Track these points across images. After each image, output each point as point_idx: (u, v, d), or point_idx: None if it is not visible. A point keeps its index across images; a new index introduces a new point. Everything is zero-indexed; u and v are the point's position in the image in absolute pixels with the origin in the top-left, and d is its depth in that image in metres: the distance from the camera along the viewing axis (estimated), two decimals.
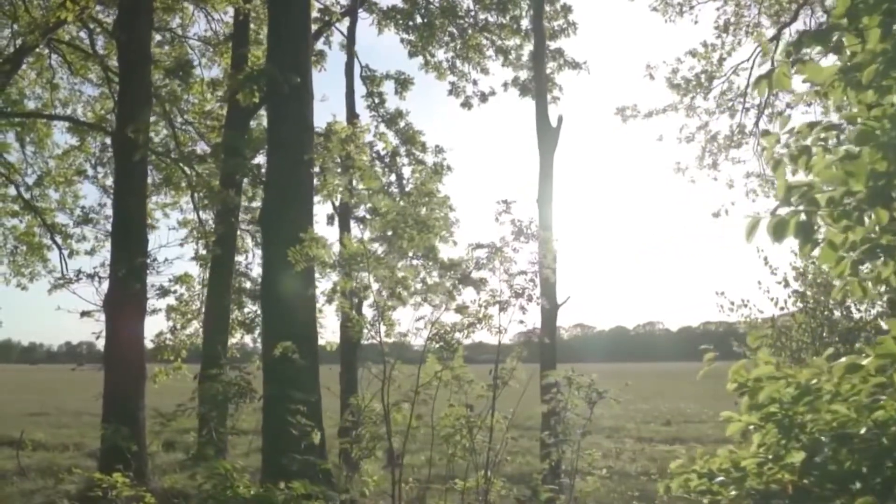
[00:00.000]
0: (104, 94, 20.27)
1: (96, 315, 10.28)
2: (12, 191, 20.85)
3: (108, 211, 20.77)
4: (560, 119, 9.40)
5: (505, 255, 6.75)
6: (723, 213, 18.75)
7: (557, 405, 6.74)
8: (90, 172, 20.73)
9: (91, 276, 9.93)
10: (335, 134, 9.50)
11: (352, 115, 12.11)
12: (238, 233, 18.40)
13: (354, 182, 8.48)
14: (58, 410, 28.81)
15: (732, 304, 10.76)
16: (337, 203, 11.03)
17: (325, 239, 7.05)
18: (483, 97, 18.75)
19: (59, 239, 19.33)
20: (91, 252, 20.34)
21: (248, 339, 19.46)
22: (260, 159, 11.45)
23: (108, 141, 21.51)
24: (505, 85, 18.32)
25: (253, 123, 14.75)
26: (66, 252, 19.17)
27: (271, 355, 8.11)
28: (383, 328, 7.23)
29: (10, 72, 15.30)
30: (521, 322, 7.03)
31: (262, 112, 15.92)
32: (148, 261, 10.15)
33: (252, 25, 13.82)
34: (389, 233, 6.49)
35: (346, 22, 14.86)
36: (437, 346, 7.02)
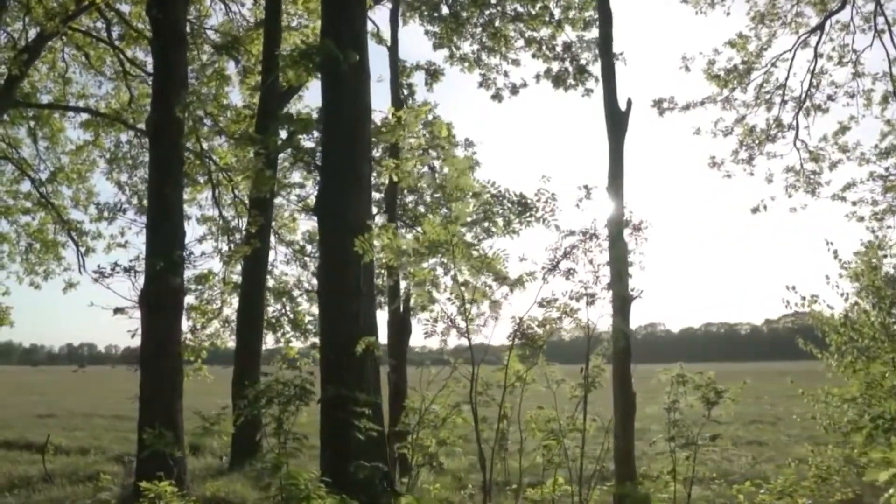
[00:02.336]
0: (119, 88, 19.76)
1: (130, 312, 9.63)
2: (24, 187, 20.32)
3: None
4: (629, 102, 8.84)
5: (600, 243, 6.14)
6: (762, 208, 18.18)
7: (671, 406, 6.13)
8: (104, 167, 20.23)
9: (128, 270, 9.30)
10: (412, 112, 8.89)
11: (397, 102, 11.53)
12: None
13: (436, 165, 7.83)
14: (66, 412, 28.21)
15: (803, 298, 10.14)
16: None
17: (393, 225, 6.44)
18: (514, 89, 18.16)
19: (74, 236, 18.73)
20: (108, 249, 19.81)
21: (269, 338, 18.90)
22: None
23: (123, 137, 21.09)
24: (537, 77, 17.75)
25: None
26: (82, 249, 18.60)
27: (332, 354, 7.51)
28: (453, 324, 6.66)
29: (28, 61, 14.72)
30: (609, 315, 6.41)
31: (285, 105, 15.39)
32: (185, 254, 9.53)
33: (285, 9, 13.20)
34: (478, 215, 5.86)
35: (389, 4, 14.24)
36: (520, 342, 6.42)
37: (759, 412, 25.57)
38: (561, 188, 6.55)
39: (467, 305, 6.13)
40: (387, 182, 10.09)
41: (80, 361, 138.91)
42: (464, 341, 7.72)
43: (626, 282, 6.99)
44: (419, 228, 9.79)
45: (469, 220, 5.97)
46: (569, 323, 6.49)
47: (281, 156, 10.37)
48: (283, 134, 8.75)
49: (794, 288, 10.16)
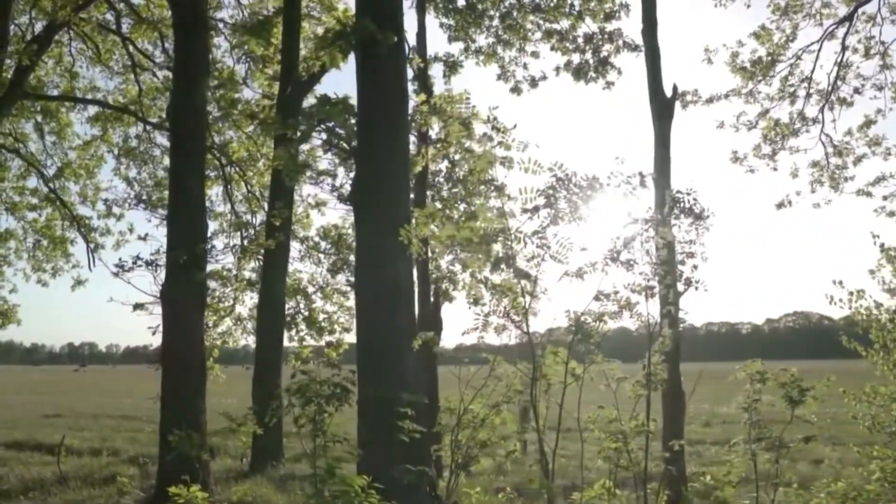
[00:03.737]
0: (128, 82, 19.35)
1: (150, 308, 9.24)
2: (30, 183, 19.91)
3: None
4: (675, 88, 8.47)
5: (664, 232, 5.73)
6: (786, 203, 17.79)
7: (751, 404, 5.73)
8: (112, 163, 19.84)
9: (150, 264, 8.90)
10: (446, 98, 8.50)
11: (424, 89, 11.11)
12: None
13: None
14: (72, 412, 27.85)
15: (851, 294, 9.71)
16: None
17: (440, 211, 6.05)
18: (533, 82, 17.75)
19: (83, 231, 18.32)
20: (116, 246, 19.41)
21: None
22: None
23: (132, 132, 20.67)
24: (557, 69, 17.33)
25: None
26: (91, 246, 18.19)
27: (370, 351, 7.11)
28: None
29: (38, 51, 14.31)
30: (679, 310, 6.01)
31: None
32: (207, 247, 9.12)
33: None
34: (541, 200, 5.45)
35: None
36: (577, 337, 6.01)
37: (772, 412, 25.18)
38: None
39: (524, 297, 5.72)
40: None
41: (82, 361, 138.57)
42: (499, 339, 7.38)
43: (674, 274, 6.61)
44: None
45: (530, 205, 5.55)
46: (628, 317, 6.08)
47: (306, 145, 9.96)
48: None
49: (840, 283, 9.75)
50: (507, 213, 5.64)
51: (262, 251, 15.32)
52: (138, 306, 9.27)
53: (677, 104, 9.83)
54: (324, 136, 7.30)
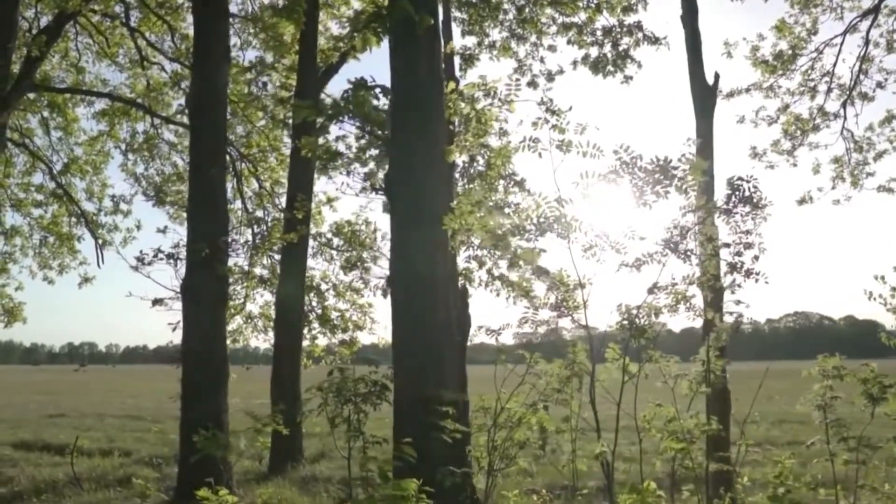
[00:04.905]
0: (135, 76, 19.04)
1: (169, 303, 8.90)
2: (36, 179, 19.60)
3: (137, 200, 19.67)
4: (717, 76, 8.18)
5: (734, 220, 5.42)
6: (808, 199, 17.51)
7: (828, 403, 5.41)
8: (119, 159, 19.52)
9: (171, 257, 8.57)
10: (473, 86, 8.18)
11: (451, 77, 10.79)
12: None
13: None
14: (76, 412, 27.49)
15: (894, 290, 9.41)
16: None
17: (488, 200, 5.75)
18: (550, 76, 17.45)
19: (91, 228, 18.00)
20: (124, 242, 19.09)
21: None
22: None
23: (140, 127, 20.35)
24: (574, 63, 17.02)
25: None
26: (99, 242, 17.87)
27: (407, 347, 6.79)
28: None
29: (48, 42, 13.99)
30: (739, 303, 5.71)
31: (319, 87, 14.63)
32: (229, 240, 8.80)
33: None
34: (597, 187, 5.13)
35: None
36: (631, 334, 5.70)
37: (782, 411, 24.97)
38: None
39: (580, 289, 5.41)
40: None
41: (81, 361, 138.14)
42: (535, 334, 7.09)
43: (718, 268, 6.31)
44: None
45: (590, 191, 5.23)
46: (684, 311, 5.78)
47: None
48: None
49: (882, 278, 9.46)
50: (565, 200, 5.31)
51: (275, 247, 15.06)
52: (157, 301, 8.94)
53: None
54: (356, 123, 6.94)
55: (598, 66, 16.98)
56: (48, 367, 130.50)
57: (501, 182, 12.01)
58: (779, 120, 17.23)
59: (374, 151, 7.43)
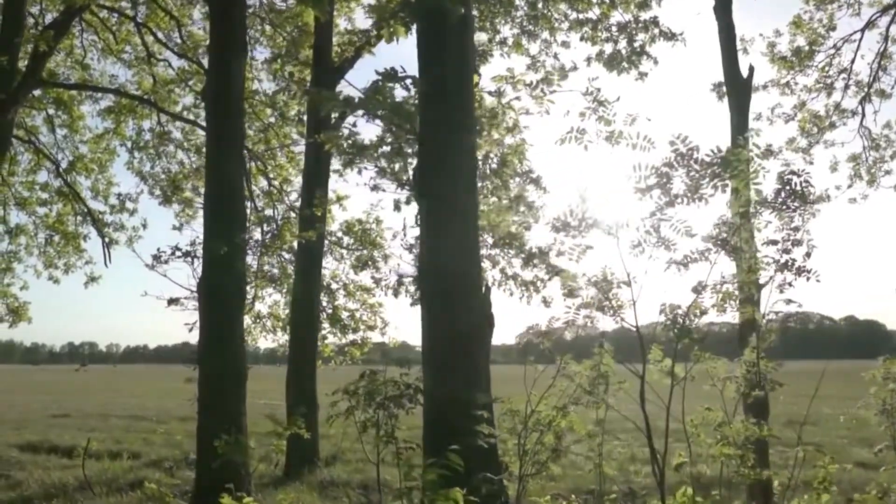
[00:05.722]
0: (141, 73, 18.80)
1: (185, 303, 8.65)
2: (41, 177, 19.35)
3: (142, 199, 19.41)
4: (751, 69, 7.94)
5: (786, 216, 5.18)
6: (825, 198, 17.24)
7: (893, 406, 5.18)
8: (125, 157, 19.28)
9: (188, 255, 8.33)
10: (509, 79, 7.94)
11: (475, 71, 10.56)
12: None
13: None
14: (79, 412, 27.24)
15: None
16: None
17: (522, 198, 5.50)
18: (563, 74, 17.22)
19: (98, 226, 17.75)
20: (129, 242, 18.84)
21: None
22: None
23: (146, 125, 20.10)
24: (588, 60, 16.78)
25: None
26: (106, 241, 17.62)
27: (438, 348, 6.55)
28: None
29: (56, 36, 13.73)
30: (790, 302, 5.46)
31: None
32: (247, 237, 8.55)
33: None
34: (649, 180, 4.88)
35: None
36: (674, 332, 5.45)
37: (791, 412, 24.76)
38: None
39: (628, 287, 5.17)
40: None
41: (82, 360, 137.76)
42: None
43: (755, 267, 6.07)
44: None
45: (643, 184, 4.99)
46: (730, 311, 5.53)
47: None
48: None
49: None
50: (612, 194, 5.08)
51: (285, 246, 14.82)
52: (173, 301, 8.69)
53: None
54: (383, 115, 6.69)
55: (612, 62, 16.73)
56: (49, 367, 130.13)
57: (517, 179, 11.80)
58: (795, 117, 17.01)
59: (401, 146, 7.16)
